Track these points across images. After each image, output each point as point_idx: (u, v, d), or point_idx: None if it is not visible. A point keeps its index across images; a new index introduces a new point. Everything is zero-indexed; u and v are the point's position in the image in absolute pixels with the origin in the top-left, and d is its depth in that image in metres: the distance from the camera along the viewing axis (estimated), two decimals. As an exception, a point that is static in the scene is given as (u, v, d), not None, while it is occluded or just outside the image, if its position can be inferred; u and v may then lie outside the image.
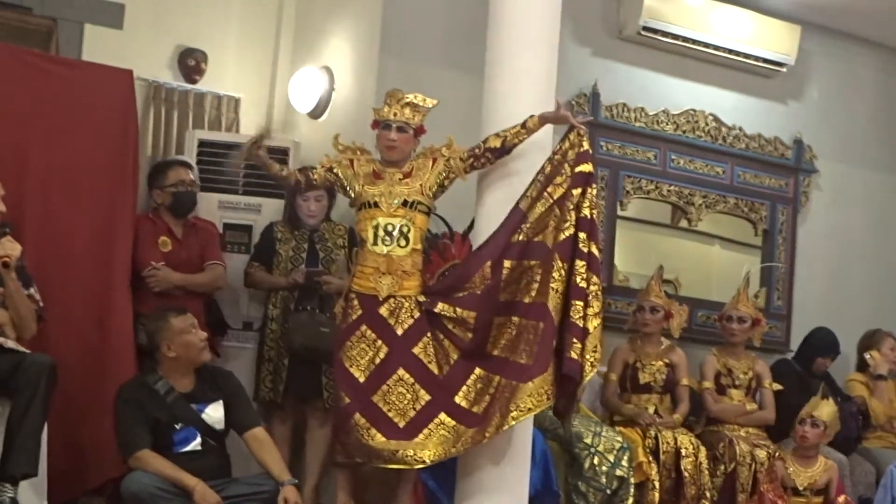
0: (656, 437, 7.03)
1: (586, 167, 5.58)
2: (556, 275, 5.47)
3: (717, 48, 8.26)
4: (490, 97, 5.99)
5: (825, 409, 6.98)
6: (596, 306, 5.52)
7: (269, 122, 7.37)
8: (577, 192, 5.53)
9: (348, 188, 5.68)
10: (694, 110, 8.38)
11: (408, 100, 5.70)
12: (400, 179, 5.62)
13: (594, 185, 5.64)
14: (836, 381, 8.03)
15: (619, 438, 6.77)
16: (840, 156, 8.89)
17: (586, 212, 5.53)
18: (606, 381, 7.24)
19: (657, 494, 6.95)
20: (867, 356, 7.94)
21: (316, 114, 7.64)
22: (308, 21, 7.91)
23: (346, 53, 7.59)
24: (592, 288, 5.50)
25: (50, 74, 6.18)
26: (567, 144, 5.60)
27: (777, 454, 7.05)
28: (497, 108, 5.92)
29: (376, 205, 5.57)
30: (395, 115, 5.67)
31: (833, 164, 8.86)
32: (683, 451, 7.04)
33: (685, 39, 8.15)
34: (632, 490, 6.71)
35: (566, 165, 5.57)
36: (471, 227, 6.26)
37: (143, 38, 7.50)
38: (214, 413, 5.69)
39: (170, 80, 7.61)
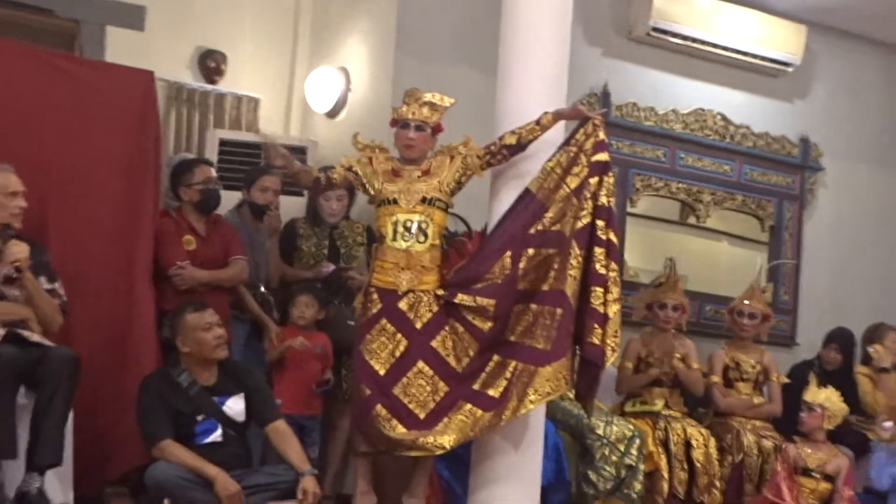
0: (666, 429, 7.06)
1: (603, 156, 5.58)
2: (573, 262, 5.46)
3: (724, 48, 8.30)
4: (503, 95, 5.99)
5: (820, 395, 6.98)
6: (615, 292, 5.54)
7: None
8: (594, 181, 5.54)
9: (368, 186, 5.66)
10: (702, 109, 8.42)
11: (426, 99, 5.68)
12: (418, 177, 5.60)
13: (611, 174, 5.63)
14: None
15: (630, 427, 6.78)
16: (846, 154, 8.91)
17: (603, 200, 5.54)
18: (622, 368, 7.24)
19: (666, 484, 6.98)
20: (871, 349, 7.92)
21: (333, 113, 7.67)
22: (324, 22, 7.94)
23: (362, 54, 7.61)
24: (612, 274, 5.52)
25: (72, 75, 6.16)
26: (582, 135, 5.59)
27: (791, 439, 7.06)
28: (510, 106, 5.91)
29: (395, 201, 5.56)
30: (413, 114, 5.65)
31: (839, 161, 8.89)
32: (694, 443, 7.09)
33: (693, 40, 8.20)
34: (640, 477, 6.73)
35: (582, 155, 5.56)
36: (484, 229, 6.28)
37: (164, 40, 7.54)
38: (235, 406, 5.66)
39: (190, 80, 7.67)
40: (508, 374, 5.46)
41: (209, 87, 7.68)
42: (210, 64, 7.69)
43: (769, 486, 6.86)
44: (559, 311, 5.43)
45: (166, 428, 5.45)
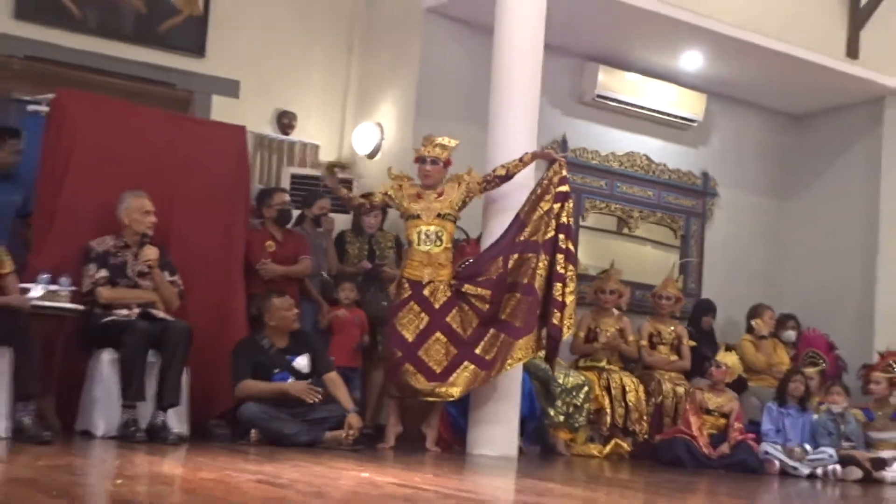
0: (608, 378, 7.06)
1: (565, 188, 5.75)
2: (541, 264, 5.62)
3: (648, 109, 8.27)
4: (491, 143, 6.07)
5: (728, 358, 7.00)
6: (571, 287, 5.70)
7: (339, 160, 7.51)
8: (557, 206, 5.68)
9: (399, 205, 5.82)
10: (632, 152, 8.40)
11: (437, 141, 5.85)
12: (435, 198, 5.75)
13: (571, 201, 5.79)
14: (715, 335, 8.02)
15: (582, 378, 6.79)
16: (734, 184, 8.87)
17: (564, 219, 5.68)
18: (575, 337, 7.21)
19: (608, 418, 6.99)
20: (753, 323, 7.92)
21: (371, 155, 7.68)
22: (365, 92, 7.94)
23: (392, 114, 7.62)
24: (569, 273, 5.67)
25: (188, 130, 6.23)
26: (552, 172, 5.76)
27: (697, 387, 7.08)
28: (496, 150, 6.01)
29: (419, 216, 5.72)
30: (429, 152, 5.81)
31: (729, 190, 8.85)
32: (628, 388, 7.09)
33: (626, 104, 8.17)
34: (584, 413, 6.74)
35: (551, 187, 5.71)
36: (479, 237, 6.36)
37: (252, 104, 7.52)
38: (302, 362, 5.69)
39: (270, 132, 7.64)
40: (498, 344, 5.61)
41: (284, 137, 7.67)
42: (284, 120, 7.70)
43: (681, 420, 6.87)
44: (530, 299, 5.60)
45: (247, 374, 5.51)
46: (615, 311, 7.41)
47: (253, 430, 5.44)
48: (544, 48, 6.24)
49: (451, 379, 5.59)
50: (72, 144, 5.66)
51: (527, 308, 5.61)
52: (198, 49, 7.43)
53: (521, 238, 5.67)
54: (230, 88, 7.55)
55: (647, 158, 8.46)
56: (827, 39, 7.97)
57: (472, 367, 5.60)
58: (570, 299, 5.66)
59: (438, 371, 5.58)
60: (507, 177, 5.76)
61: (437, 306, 5.63)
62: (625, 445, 6.92)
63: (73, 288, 5.20)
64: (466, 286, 5.68)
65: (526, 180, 5.88)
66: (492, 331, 5.64)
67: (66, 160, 5.64)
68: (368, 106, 7.84)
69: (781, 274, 8.99)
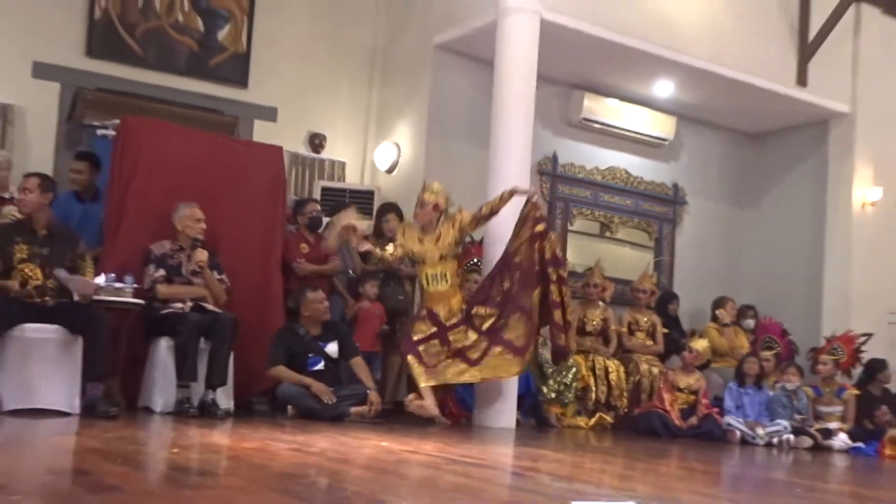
0: (593, 360, 7.04)
1: (540, 227, 5.52)
2: (535, 294, 5.48)
3: (627, 130, 8.24)
4: (493, 161, 6.05)
5: (699, 344, 6.97)
6: (570, 309, 5.57)
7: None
8: (537, 244, 5.48)
9: (410, 251, 5.68)
10: (613, 167, 8.36)
11: (428, 187, 5.70)
12: (435, 242, 5.61)
13: (549, 236, 5.56)
14: (680, 320, 8.00)
15: (570, 361, 6.74)
16: (700, 194, 8.84)
17: (549, 254, 5.47)
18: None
19: (593, 395, 6.95)
20: (717, 312, 7.90)
21: (390, 170, 7.66)
22: (385, 116, 7.93)
23: (407, 135, 7.60)
24: (566, 298, 5.49)
25: (233, 150, 6.20)
26: (527, 209, 5.56)
27: (669, 368, 7.04)
28: (497, 167, 5.98)
29: (424, 262, 5.61)
30: (422, 197, 5.67)
31: (696, 199, 8.81)
32: (610, 369, 7.06)
33: (608, 125, 8.14)
34: (572, 391, 6.71)
35: (528, 223, 5.51)
36: (482, 240, 6.32)
37: (289, 127, 7.50)
38: (332, 348, 5.69)
39: (304, 151, 7.63)
40: (488, 352, 5.48)
41: (315, 155, 7.65)
42: (315, 141, 7.69)
43: (656, 396, 6.84)
44: (530, 322, 5.48)
45: (281, 359, 5.50)
46: (600, 303, 7.38)
47: (289, 406, 5.46)
48: (537, 78, 6.25)
49: (437, 372, 5.51)
50: (135, 163, 5.67)
51: (529, 330, 5.49)
52: (242, 81, 7.43)
53: (516, 261, 5.51)
54: (269, 114, 7.55)
55: (626, 172, 8.43)
56: (780, 70, 7.95)
57: (463, 365, 5.51)
58: (571, 317, 5.58)
59: (431, 364, 5.51)
60: (492, 214, 5.58)
61: (446, 323, 5.56)
62: (607, 418, 6.89)
63: (136, 285, 5.21)
64: (476, 308, 5.58)
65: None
66: (484, 343, 5.50)
67: (130, 176, 5.65)
68: (387, 128, 7.83)
69: (741, 270, 8.94)
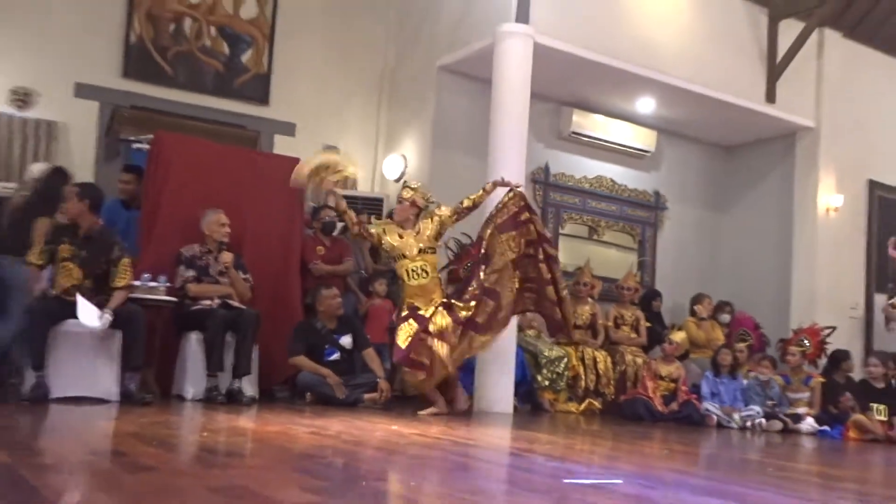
0: (583, 351, 7.00)
1: (525, 215, 5.30)
2: (516, 279, 5.26)
3: (612, 143, 8.21)
4: (491, 170, 6.00)
5: (678, 336, 6.94)
6: (563, 285, 5.35)
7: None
8: (524, 229, 5.25)
9: (387, 243, 5.32)
10: (600, 176, 8.33)
11: (406, 184, 5.42)
12: (415, 236, 5.27)
13: (534, 221, 5.31)
14: (663, 315, 7.97)
15: (563, 351, 6.73)
16: (679, 200, 8.81)
17: (534, 234, 5.24)
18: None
19: (583, 383, 6.92)
20: (695, 307, 7.86)
21: (398, 180, 7.64)
22: (393, 130, 7.93)
23: (413, 147, 7.59)
24: (557, 275, 5.27)
25: (255, 162, 6.19)
26: (507, 198, 5.32)
27: (651, 360, 7.01)
28: (495, 176, 5.87)
29: (404, 255, 5.25)
30: (400, 194, 5.41)
31: (676, 205, 8.78)
32: (598, 359, 7.02)
33: (595, 138, 8.12)
34: (564, 379, 6.67)
35: (508, 210, 5.24)
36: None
37: (305, 140, 7.49)
38: (346, 340, 5.68)
39: (320, 163, 7.64)
40: (465, 340, 5.21)
41: (330, 166, 7.66)
42: (330, 153, 7.69)
43: (640, 384, 6.81)
44: (493, 303, 5.21)
45: (301, 350, 5.49)
46: (589, 300, 7.36)
47: (308, 393, 5.46)
48: (531, 96, 6.24)
49: (435, 364, 5.15)
50: (167, 174, 5.66)
51: (490, 312, 5.18)
52: (263, 99, 7.42)
53: (483, 252, 5.22)
54: (288, 129, 7.54)
55: (612, 181, 8.40)
56: (751, 88, 7.94)
57: (446, 351, 5.12)
58: (564, 294, 5.33)
59: (427, 362, 5.22)
60: (474, 206, 5.29)
61: (426, 315, 5.17)
62: (596, 404, 6.86)
63: (168, 284, 5.22)
64: (454, 302, 5.22)
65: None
66: (459, 329, 5.15)
67: (162, 186, 5.64)
68: (395, 141, 7.82)
69: (717, 269, 8.91)
